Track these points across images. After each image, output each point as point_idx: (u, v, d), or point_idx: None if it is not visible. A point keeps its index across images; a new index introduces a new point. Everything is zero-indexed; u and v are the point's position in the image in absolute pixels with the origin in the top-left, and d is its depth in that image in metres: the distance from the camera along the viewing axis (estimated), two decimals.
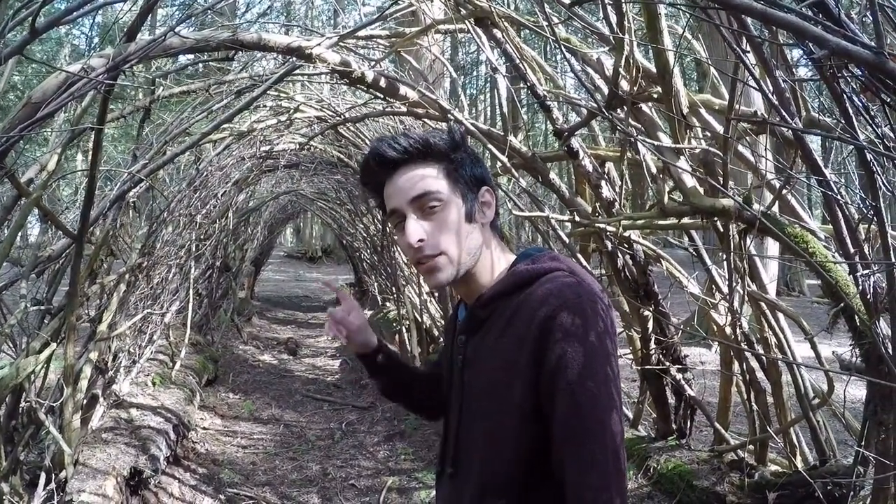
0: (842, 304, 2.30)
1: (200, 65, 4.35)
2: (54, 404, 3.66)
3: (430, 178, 1.37)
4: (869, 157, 1.65)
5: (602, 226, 3.47)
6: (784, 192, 2.86)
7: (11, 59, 2.31)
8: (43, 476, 3.57)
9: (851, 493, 2.78)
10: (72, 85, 2.37)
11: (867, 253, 2.09)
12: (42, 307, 3.60)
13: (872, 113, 1.59)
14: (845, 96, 1.57)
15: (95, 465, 4.01)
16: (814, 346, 2.98)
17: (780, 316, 3.39)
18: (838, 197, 2.03)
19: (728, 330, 3.41)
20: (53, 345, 3.46)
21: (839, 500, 2.86)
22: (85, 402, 4.32)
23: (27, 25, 2.05)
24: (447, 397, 1.53)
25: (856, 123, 1.66)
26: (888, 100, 1.49)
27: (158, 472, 4.63)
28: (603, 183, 3.64)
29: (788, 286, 14.37)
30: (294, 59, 3.65)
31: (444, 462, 1.49)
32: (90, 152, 3.08)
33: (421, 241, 1.35)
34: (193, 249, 7.13)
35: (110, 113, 3.65)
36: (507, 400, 1.29)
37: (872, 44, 1.24)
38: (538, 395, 1.26)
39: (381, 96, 4.30)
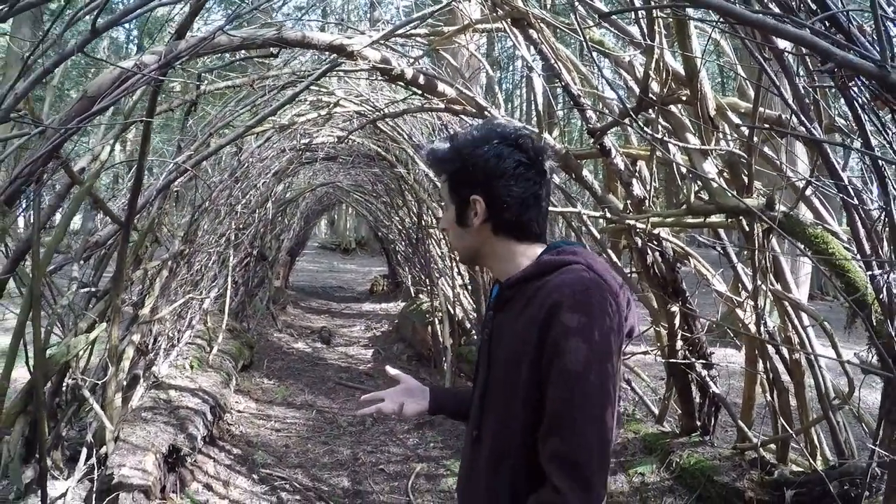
0: (853, 303, 2.35)
1: (244, 59, 4.49)
2: (97, 382, 3.82)
3: (441, 181, 1.64)
4: (881, 162, 1.72)
5: (632, 222, 3.53)
6: (808, 192, 2.91)
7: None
8: (84, 451, 3.72)
9: (867, 493, 2.82)
10: (126, 80, 2.51)
11: (882, 254, 2.14)
12: (89, 290, 3.77)
13: (884, 120, 1.66)
14: (856, 104, 1.64)
15: (136, 442, 4.18)
16: (834, 346, 3.02)
17: (805, 317, 3.43)
18: (853, 201, 2.08)
19: (752, 328, 3.46)
20: (103, 324, 3.62)
21: (855, 500, 2.90)
22: (126, 381, 4.50)
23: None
24: (477, 365, 1.66)
25: (870, 128, 1.72)
26: None
27: (195, 451, 4.80)
28: (634, 181, 3.69)
29: (822, 290, 14.15)
30: (336, 55, 3.76)
31: (470, 424, 1.64)
32: (140, 143, 3.23)
33: (444, 229, 1.66)
34: (232, 238, 7.32)
35: (158, 106, 3.81)
36: (518, 375, 1.42)
37: (878, 57, 1.31)
38: (541, 374, 1.38)
39: (420, 92, 4.40)
